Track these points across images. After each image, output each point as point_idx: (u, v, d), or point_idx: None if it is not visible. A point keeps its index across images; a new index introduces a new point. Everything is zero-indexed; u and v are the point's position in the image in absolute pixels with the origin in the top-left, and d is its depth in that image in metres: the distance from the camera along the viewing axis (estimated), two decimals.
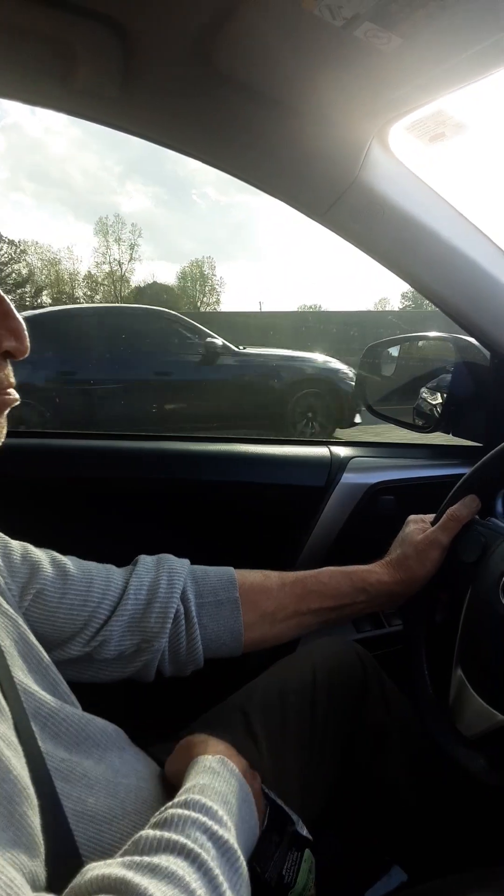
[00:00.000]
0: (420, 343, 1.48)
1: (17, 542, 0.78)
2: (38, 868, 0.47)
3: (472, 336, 1.17)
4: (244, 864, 0.50)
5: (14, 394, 0.62)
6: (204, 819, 0.50)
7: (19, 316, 0.59)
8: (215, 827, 0.50)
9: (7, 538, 0.77)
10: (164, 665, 0.83)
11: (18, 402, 0.62)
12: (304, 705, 0.90)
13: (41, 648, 0.68)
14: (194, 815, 0.50)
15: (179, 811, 0.50)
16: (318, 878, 0.69)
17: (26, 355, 0.60)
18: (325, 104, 0.80)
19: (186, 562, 0.87)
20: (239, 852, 0.50)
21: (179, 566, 0.85)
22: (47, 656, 0.68)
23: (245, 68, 0.75)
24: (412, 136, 0.92)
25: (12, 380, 0.62)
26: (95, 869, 0.43)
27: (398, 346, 1.49)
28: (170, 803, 0.53)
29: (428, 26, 0.63)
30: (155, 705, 0.93)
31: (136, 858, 0.44)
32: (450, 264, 1.03)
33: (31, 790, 0.49)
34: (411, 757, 0.94)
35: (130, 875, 0.42)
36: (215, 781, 0.57)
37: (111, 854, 0.55)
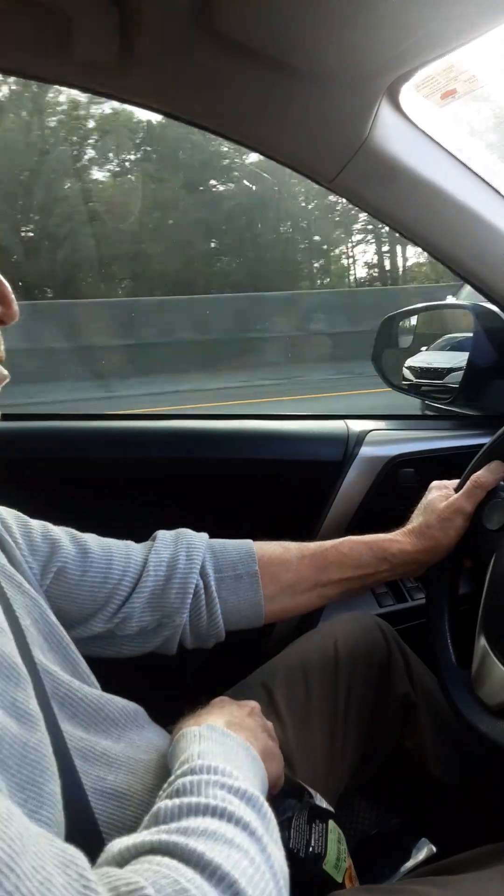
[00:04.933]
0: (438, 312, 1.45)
1: (37, 521, 0.78)
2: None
3: (492, 302, 1.13)
4: (269, 808, 0.48)
5: (3, 370, 0.60)
6: (216, 777, 0.48)
7: (5, 280, 0.58)
8: (230, 781, 0.48)
9: (27, 517, 0.77)
10: (185, 638, 0.83)
11: (8, 380, 0.60)
12: (326, 680, 0.90)
13: (62, 628, 0.68)
14: (206, 776, 0.48)
15: (189, 778, 0.49)
16: (350, 851, 0.69)
17: (15, 321, 0.58)
18: (330, 62, 0.77)
19: (205, 536, 0.86)
20: (262, 798, 0.48)
21: (198, 541, 0.84)
22: (67, 636, 0.68)
23: (245, 28, 0.73)
24: (423, 94, 0.89)
25: (3, 354, 0.60)
26: (122, 842, 0.42)
27: (415, 317, 1.46)
28: (174, 776, 0.51)
29: None
30: (177, 683, 0.93)
31: (164, 826, 0.43)
32: (467, 228, 1.00)
33: (53, 762, 0.49)
34: (438, 729, 0.93)
35: (166, 837, 0.40)
36: (209, 745, 0.55)
37: (131, 830, 0.55)
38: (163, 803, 0.46)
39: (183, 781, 0.48)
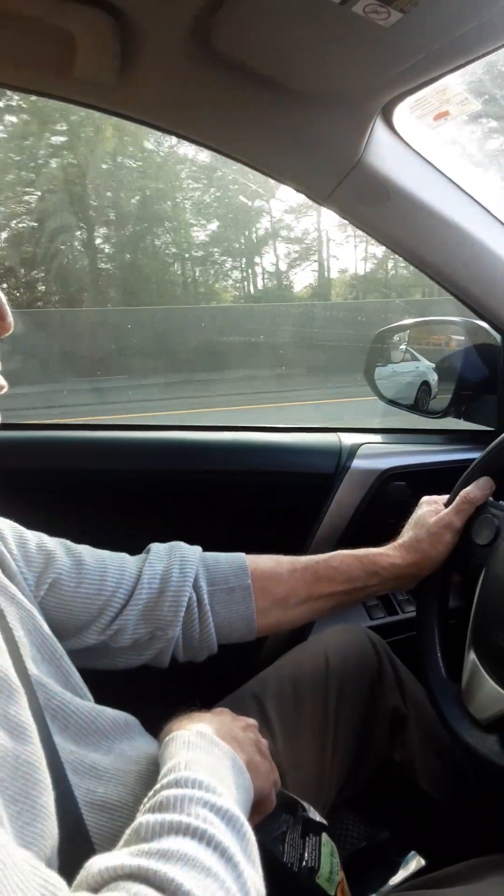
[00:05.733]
0: (429, 328, 1.46)
1: (32, 532, 0.78)
2: (52, 855, 0.48)
3: (482, 319, 1.15)
4: (249, 827, 0.48)
5: (1, 380, 0.61)
6: (200, 793, 0.48)
7: (0, 293, 0.58)
8: (213, 798, 0.48)
9: (22, 528, 0.77)
10: (178, 651, 0.83)
11: (5, 390, 0.61)
12: (317, 692, 0.90)
13: (55, 640, 0.68)
14: (189, 791, 0.48)
15: (172, 791, 0.48)
16: (341, 864, 0.69)
17: (9, 332, 0.59)
18: (326, 83, 0.78)
19: (198, 549, 0.87)
20: (242, 817, 0.48)
21: (191, 554, 0.85)
22: (61, 647, 0.68)
23: (243, 49, 0.74)
24: (416, 116, 0.91)
25: None
26: (101, 861, 0.42)
27: (407, 332, 1.47)
28: (158, 786, 0.50)
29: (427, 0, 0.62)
30: (169, 694, 0.93)
31: (144, 847, 0.43)
32: (459, 246, 1.02)
33: (46, 775, 0.49)
34: (427, 742, 0.94)
35: (146, 862, 0.40)
36: (197, 754, 0.54)
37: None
38: (144, 818, 0.46)
39: (167, 795, 0.48)
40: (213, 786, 0.50)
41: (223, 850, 0.44)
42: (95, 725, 0.65)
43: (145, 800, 0.50)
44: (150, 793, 0.50)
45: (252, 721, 0.70)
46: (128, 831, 0.46)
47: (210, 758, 0.55)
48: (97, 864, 0.41)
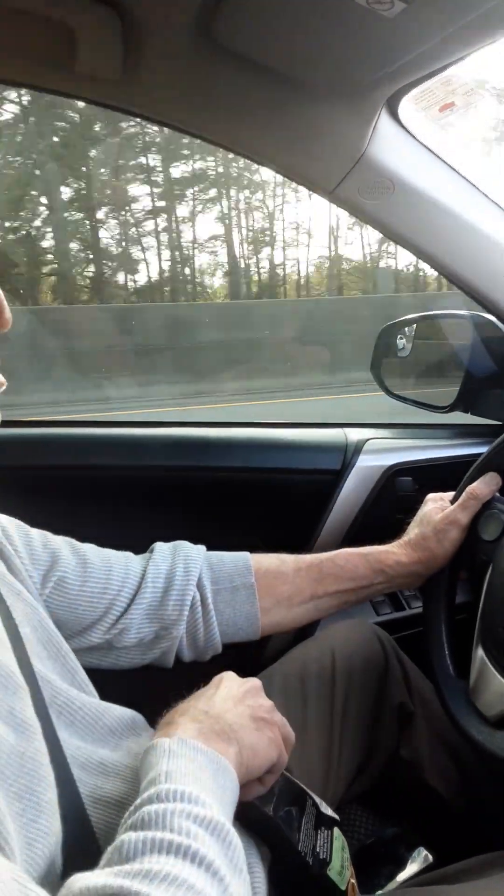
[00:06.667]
0: (437, 321, 1.45)
1: (37, 530, 0.78)
2: (56, 851, 0.48)
3: (490, 313, 1.14)
4: (235, 834, 0.47)
5: (0, 377, 0.61)
6: (182, 805, 0.46)
7: None
8: (196, 809, 0.47)
9: (27, 527, 0.77)
10: (182, 651, 0.83)
11: (5, 387, 0.61)
12: (324, 688, 0.90)
13: (61, 636, 0.68)
14: (171, 805, 0.47)
15: (154, 806, 0.47)
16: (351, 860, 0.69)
17: (7, 328, 0.59)
18: (330, 75, 0.78)
19: (202, 548, 0.87)
20: (227, 824, 0.47)
21: (195, 553, 0.85)
22: (66, 644, 0.68)
23: (246, 42, 0.74)
24: (421, 107, 0.90)
25: None
26: (83, 880, 0.41)
27: (414, 326, 1.46)
28: (139, 800, 0.49)
29: None
30: (174, 690, 0.93)
31: (127, 867, 0.41)
32: (465, 240, 1.01)
33: (49, 771, 0.50)
34: (435, 738, 0.93)
35: (129, 883, 0.39)
36: (178, 763, 0.52)
37: None
38: (127, 836, 0.44)
39: (148, 811, 0.46)
40: (195, 795, 0.48)
41: (208, 865, 0.43)
42: (102, 722, 0.65)
43: (126, 815, 0.48)
44: (132, 808, 0.49)
45: (254, 683, 0.68)
46: (109, 849, 0.45)
47: (192, 765, 0.53)
48: (78, 882, 0.40)
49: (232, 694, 0.65)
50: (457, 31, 0.69)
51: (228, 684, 0.66)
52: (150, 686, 0.88)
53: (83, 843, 0.52)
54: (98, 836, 0.54)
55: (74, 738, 0.60)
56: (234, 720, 0.62)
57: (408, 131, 0.90)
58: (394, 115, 0.87)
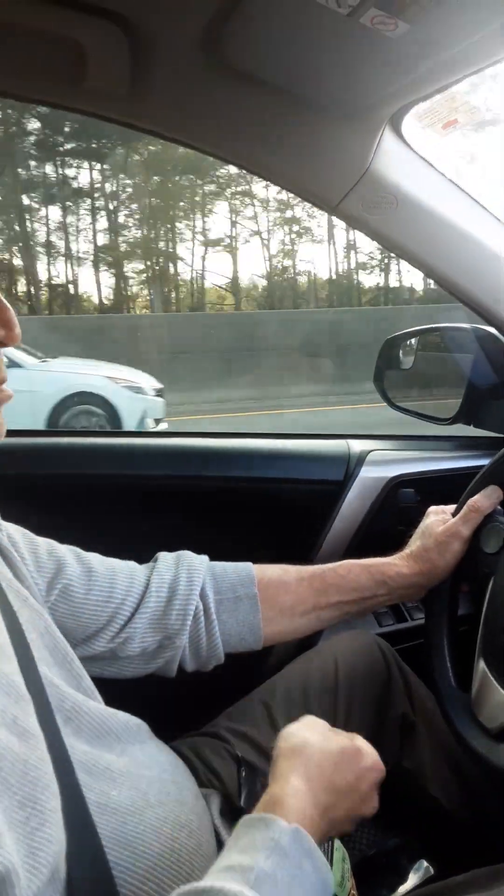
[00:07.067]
0: (439, 334, 1.45)
1: (43, 538, 0.79)
2: (59, 860, 0.48)
3: (491, 325, 1.15)
4: None
5: (8, 390, 0.62)
6: None
7: (8, 304, 0.59)
8: None
9: (33, 535, 0.78)
10: (185, 661, 0.83)
11: (12, 398, 0.62)
12: (326, 698, 0.90)
13: (66, 643, 0.69)
14: None
15: None
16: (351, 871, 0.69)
17: (17, 343, 0.60)
18: (335, 93, 0.79)
19: (205, 559, 0.87)
20: None
21: (198, 563, 0.85)
22: (72, 651, 0.69)
23: (252, 59, 0.75)
24: (425, 124, 0.91)
25: (4, 374, 0.62)
26: None
27: (416, 338, 1.47)
28: (208, 882, 0.45)
29: (434, 10, 0.62)
30: (178, 699, 0.94)
31: None
32: (467, 253, 1.02)
33: (53, 780, 0.50)
34: (437, 749, 0.93)
35: None
36: (276, 866, 0.47)
37: (134, 846, 0.56)
38: None
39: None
40: None
41: None
42: (108, 727, 0.65)
43: (184, 888, 0.46)
44: (206, 876, 0.46)
45: (373, 762, 0.67)
46: None
47: (290, 877, 0.47)
48: None
49: (347, 780, 0.63)
50: (460, 51, 0.70)
51: (344, 761, 0.64)
52: (153, 694, 0.88)
53: (87, 851, 0.52)
54: (104, 844, 0.55)
55: (81, 743, 0.60)
56: (346, 813, 0.62)
57: (411, 148, 0.91)
58: (397, 131, 0.89)
